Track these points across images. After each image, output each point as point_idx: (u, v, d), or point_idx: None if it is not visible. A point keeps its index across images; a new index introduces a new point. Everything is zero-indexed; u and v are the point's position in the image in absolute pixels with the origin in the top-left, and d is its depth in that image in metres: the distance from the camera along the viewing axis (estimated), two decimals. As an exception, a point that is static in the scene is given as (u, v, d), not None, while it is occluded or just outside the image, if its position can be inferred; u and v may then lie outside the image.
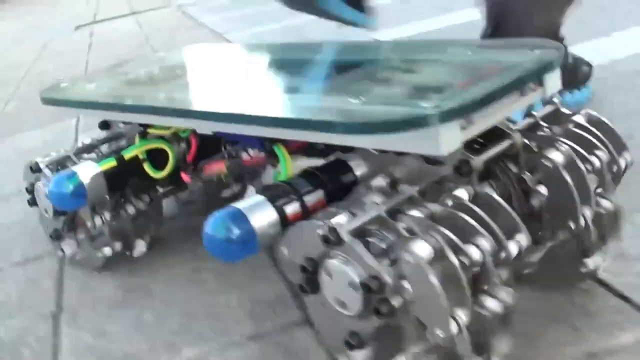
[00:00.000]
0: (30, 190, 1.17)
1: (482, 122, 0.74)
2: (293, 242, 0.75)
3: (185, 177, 1.07)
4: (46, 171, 1.13)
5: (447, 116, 0.67)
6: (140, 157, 1.10)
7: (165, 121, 1.00)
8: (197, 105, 0.92)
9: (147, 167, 1.10)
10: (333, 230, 0.68)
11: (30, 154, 1.63)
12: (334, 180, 0.84)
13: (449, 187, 0.76)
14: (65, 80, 1.33)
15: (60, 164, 1.15)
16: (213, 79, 1.06)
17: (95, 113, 1.14)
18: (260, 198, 0.79)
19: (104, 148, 1.19)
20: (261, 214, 0.77)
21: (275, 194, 0.80)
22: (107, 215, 1.11)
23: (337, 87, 0.85)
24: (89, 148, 1.19)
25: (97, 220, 1.10)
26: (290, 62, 1.09)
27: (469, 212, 0.71)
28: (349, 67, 0.94)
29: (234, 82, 1.04)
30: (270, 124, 0.78)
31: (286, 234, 0.76)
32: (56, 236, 1.16)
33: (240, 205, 0.78)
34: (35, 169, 1.13)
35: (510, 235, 0.73)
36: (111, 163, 1.08)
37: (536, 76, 0.77)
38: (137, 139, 1.10)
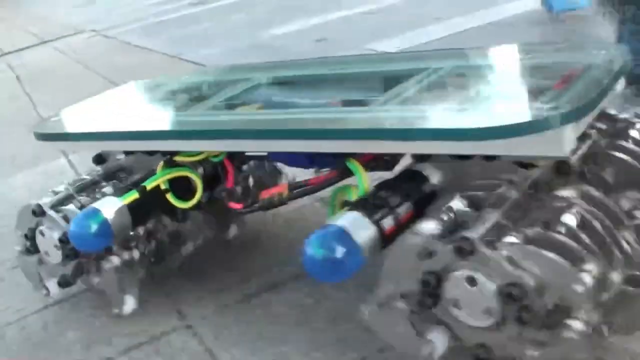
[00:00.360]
0: (31, 236, 1.06)
1: (583, 122, 0.74)
2: (404, 256, 0.72)
3: (235, 205, 0.99)
4: (51, 213, 1.03)
5: (570, 117, 0.67)
6: (163, 187, 1.03)
7: (211, 145, 0.95)
8: (261, 125, 0.89)
9: (170, 197, 1.03)
10: (467, 240, 0.67)
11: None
12: (416, 191, 0.82)
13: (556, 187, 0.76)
14: (53, 115, 1.23)
15: (63, 204, 1.05)
16: (260, 98, 1.03)
17: (109, 145, 1.07)
18: (356, 214, 0.76)
19: (109, 182, 1.11)
20: (362, 230, 0.74)
21: (370, 209, 0.77)
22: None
23: (420, 96, 0.83)
24: (91, 184, 1.10)
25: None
26: (341, 76, 1.05)
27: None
28: (406, 76, 0.91)
29: (284, 100, 1.01)
30: (377, 136, 0.75)
31: (395, 247, 0.74)
32: (65, 283, 1.05)
33: (339, 222, 0.75)
34: (38, 212, 1.03)
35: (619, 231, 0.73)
36: (134, 196, 1.00)
37: (620, 75, 0.78)
38: (158, 168, 1.02)
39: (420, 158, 0.85)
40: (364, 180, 0.84)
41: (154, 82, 1.29)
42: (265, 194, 0.95)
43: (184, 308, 1.04)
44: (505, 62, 0.88)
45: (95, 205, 0.98)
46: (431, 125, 0.72)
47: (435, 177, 0.84)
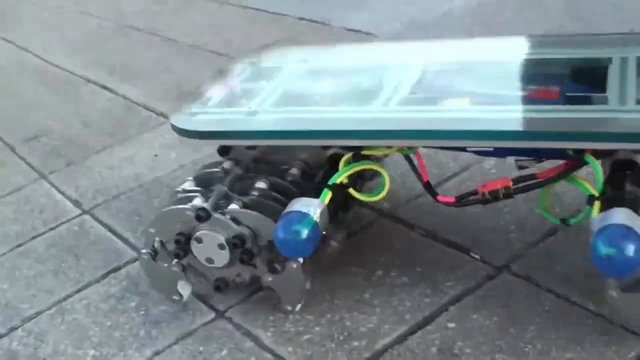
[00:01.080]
0: (185, 241, 1.02)
1: None
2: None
3: (445, 199, 0.99)
4: (217, 216, 1.00)
5: None
6: (345, 182, 1.01)
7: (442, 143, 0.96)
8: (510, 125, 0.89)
9: (353, 191, 1.02)
10: None
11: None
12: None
13: None
14: (192, 103, 1.12)
15: (219, 204, 1.02)
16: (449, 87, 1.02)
17: (303, 142, 1.02)
18: (626, 210, 0.82)
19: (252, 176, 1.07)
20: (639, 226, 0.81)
21: (631, 204, 0.84)
22: None
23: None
24: (238, 179, 1.07)
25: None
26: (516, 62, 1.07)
27: None
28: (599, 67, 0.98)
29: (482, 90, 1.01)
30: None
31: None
32: (224, 286, 1.04)
33: (618, 220, 0.80)
34: (204, 216, 0.99)
35: None
36: (329, 195, 0.98)
37: None
38: (342, 163, 1.00)
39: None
40: (602, 174, 0.88)
41: (279, 59, 1.25)
42: (485, 188, 0.94)
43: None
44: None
45: (300, 208, 0.95)
46: None
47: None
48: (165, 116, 1.79)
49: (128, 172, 1.55)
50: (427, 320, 0.99)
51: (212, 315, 1.07)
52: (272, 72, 1.18)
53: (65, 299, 1.17)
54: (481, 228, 1.15)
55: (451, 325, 0.97)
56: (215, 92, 1.15)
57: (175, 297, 1.08)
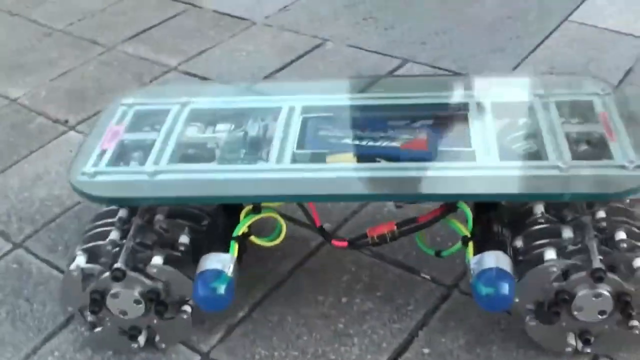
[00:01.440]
0: (99, 300, 1.06)
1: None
2: (541, 280, 0.99)
3: (339, 243, 1.12)
4: (132, 274, 1.04)
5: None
6: (247, 231, 1.09)
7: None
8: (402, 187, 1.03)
9: (255, 238, 1.11)
10: (599, 270, 0.96)
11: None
12: (506, 218, 1.10)
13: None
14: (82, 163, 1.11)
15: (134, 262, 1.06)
16: (331, 141, 1.11)
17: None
18: (499, 253, 1.00)
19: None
20: (509, 266, 0.99)
21: (500, 246, 1.02)
22: None
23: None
24: (143, 230, 1.10)
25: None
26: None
27: None
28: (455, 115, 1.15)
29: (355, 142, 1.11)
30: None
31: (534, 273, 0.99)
32: (138, 332, 1.10)
33: (493, 264, 0.98)
34: (120, 276, 1.03)
35: None
36: (237, 247, 1.07)
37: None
38: (243, 214, 1.08)
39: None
40: (472, 218, 1.04)
41: (159, 101, 1.26)
42: (374, 232, 1.08)
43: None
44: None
45: (215, 266, 1.03)
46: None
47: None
48: (62, 123, 1.74)
49: (46, 195, 1.50)
50: (403, 348, 1.11)
51: (197, 358, 1.12)
52: (155, 118, 1.20)
53: (34, 351, 1.16)
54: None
55: (426, 351, 1.10)
56: (105, 144, 1.14)
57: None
